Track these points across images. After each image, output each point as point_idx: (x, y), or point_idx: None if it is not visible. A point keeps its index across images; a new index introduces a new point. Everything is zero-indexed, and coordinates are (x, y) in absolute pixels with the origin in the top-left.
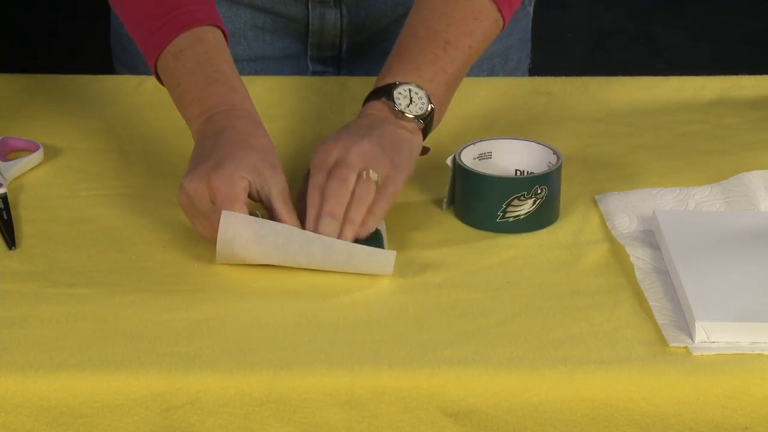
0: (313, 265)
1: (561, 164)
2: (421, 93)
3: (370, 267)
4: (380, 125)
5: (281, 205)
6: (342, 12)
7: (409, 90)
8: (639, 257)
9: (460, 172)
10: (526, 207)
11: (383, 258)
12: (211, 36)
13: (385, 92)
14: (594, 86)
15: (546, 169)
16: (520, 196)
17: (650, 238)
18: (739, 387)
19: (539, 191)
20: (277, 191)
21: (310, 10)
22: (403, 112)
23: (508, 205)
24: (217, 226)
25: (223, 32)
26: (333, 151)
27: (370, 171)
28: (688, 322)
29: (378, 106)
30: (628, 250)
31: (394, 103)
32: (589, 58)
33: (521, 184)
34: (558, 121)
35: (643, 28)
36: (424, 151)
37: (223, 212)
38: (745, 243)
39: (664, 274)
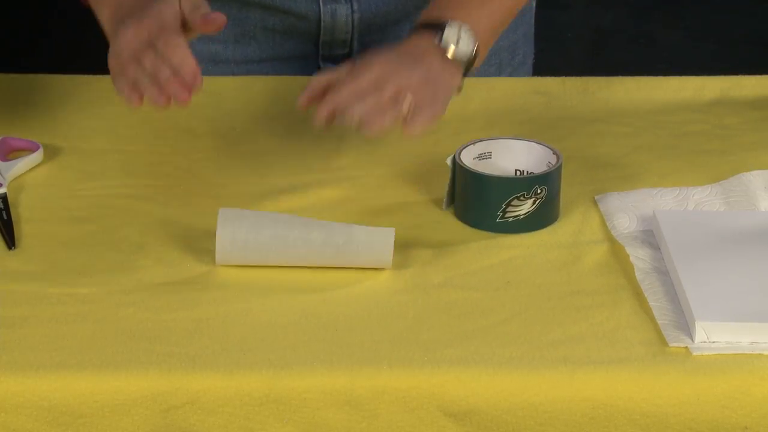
0: (312, 255)
1: (561, 164)
2: (469, 34)
3: (370, 249)
4: (427, 57)
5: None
6: (353, 7)
7: (459, 29)
8: (639, 257)
9: (460, 172)
10: (525, 207)
11: (383, 236)
12: None
13: (435, 27)
14: (594, 86)
15: (546, 169)
16: (520, 196)
17: (650, 238)
18: (739, 387)
19: (539, 191)
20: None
21: (321, 6)
22: (448, 51)
23: (508, 205)
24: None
25: None
26: (375, 67)
27: (408, 96)
28: (688, 322)
29: (426, 39)
30: (628, 250)
31: (442, 40)
32: (589, 58)
33: (521, 184)
34: (558, 121)
35: (643, 28)
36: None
37: (221, 210)
38: (745, 243)
39: (664, 274)
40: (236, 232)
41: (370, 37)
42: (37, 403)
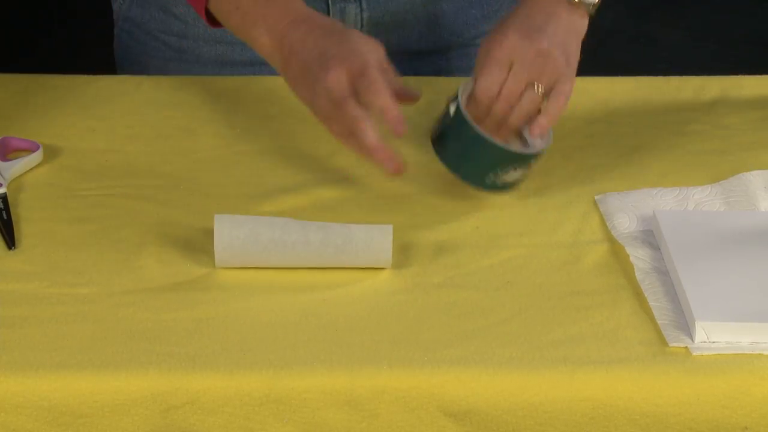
0: (312, 257)
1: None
2: None
3: (369, 247)
4: (554, 13)
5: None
6: (362, 6)
7: None
8: (639, 257)
9: (466, 129)
10: (517, 175)
11: (381, 233)
12: None
13: None
14: (594, 86)
15: (540, 147)
16: (518, 167)
17: (650, 238)
18: (739, 387)
19: (534, 167)
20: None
21: (330, 5)
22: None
23: (503, 171)
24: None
25: None
26: (504, 45)
27: (538, 86)
28: (688, 322)
29: None
30: (628, 250)
31: None
32: (589, 58)
33: (523, 157)
34: (558, 120)
35: (643, 28)
36: None
37: (216, 216)
38: (745, 243)
39: (664, 274)
40: (234, 240)
41: (379, 37)
42: (37, 403)
